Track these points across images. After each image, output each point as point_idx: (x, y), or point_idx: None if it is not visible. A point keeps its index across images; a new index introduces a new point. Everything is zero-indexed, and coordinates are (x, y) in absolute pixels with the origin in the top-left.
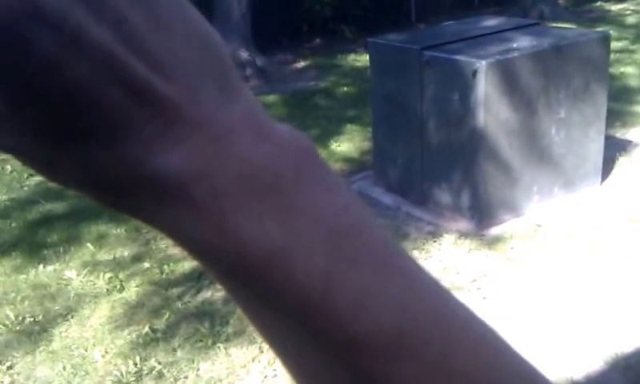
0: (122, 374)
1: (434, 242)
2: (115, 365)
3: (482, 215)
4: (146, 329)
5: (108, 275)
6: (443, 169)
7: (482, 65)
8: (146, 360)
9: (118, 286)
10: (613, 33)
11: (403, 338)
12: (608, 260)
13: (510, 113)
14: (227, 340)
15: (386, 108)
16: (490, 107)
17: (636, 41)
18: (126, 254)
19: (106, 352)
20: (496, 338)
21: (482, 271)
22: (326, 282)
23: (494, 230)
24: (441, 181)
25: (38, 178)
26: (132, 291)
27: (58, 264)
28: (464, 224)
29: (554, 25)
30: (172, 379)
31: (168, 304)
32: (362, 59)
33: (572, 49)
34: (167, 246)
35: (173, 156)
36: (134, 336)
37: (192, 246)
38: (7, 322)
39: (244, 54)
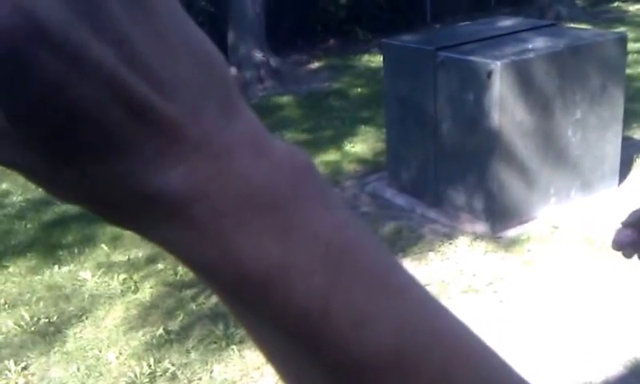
0: (135, 376)
1: (450, 244)
2: (129, 366)
3: (497, 217)
4: (160, 330)
5: (122, 276)
6: (458, 170)
7: (497, 66)
8: (159, 361)
9: (133, 288)
10: (630, 34)
11: (403, 356)
12: (626, 262)
13: (526, 114)
14: (241, 342)
15: (399, 109)
16: (506, 109)
17: None
18: (140, 255)
19: (120, 353)
20: (492, 354)
21: (498, 274)
22: (325, 301)
23: (511, 233)
24: (456, 182)
25: None
26: (146, 292)
27: (72, 265)
28: (480, 226)
29: (571, 25)
30: (185, 381)
31: (182, 305)
32: (376, 60)
33: (589, 50)
34: None
35: (173, 175)
36: (147, 337)
37: (191, 264)
38: (22, 323)
39: (258, 55)
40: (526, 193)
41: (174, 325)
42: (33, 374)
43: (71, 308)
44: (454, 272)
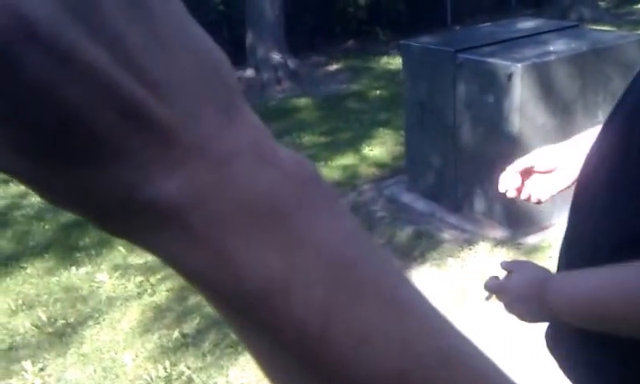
0: (151, 379)
1: (470, 249)
2: (145, 369)
3: (518, 223)
4: (176, 333)
5: (139, 279)
6: (478, 175)
7: (517, 68)
8: (175, 365)
9: (149, 290)
10: None
11: (405, 378)
12: None
13: (547, 117)
14: None
15: (418, 112)
16: (526, 112)
17: None
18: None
19: (137, 356)
20: (500, 375)
21: None
22: (325, 317)
23: (532, 239)
24: (476, 187)
25: None
26: (162, 295)
27: (89, 267)
28: (500, 232)
29: (593, 27)
30: None
31: (198, 309)
32: (396, 62)
33: (611, 52)
34: None
35: (169, 182)
36: (164, 340)
37: (187, 274)
38: (39, 324)
39: (276, 57)
40: None
41: (189, 328)
42: (49, 375)
43: (88, 310)
44: (474, 278)
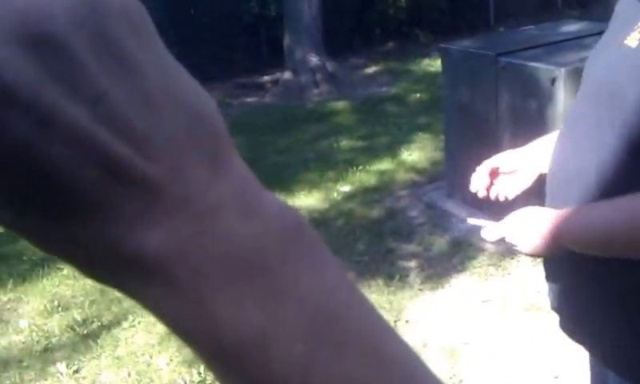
0: (185, 383)
1: (512, 258)
2: (179, 373)
3: None
4: None
5: None
6: None
7: (561, 72)
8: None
9: None
10: None
11: None
12: None
13: None
14: None
15: (459, 116)
16: None
17: None
18: None
19: (171, 360)
20: None
21: None
22: (305, 374)
23: None
24: (518, 194)
25: None
26: None
27: None
28: None
29: None
30: None
31: None
32: (436, 64)
33: None
34: None
35: (153, 236)
36: None
37: (168, 324)
38: (75, 326)
39: (314, 59)
40: None
41: None
42: (84, 378)
43: (123, 312)
44: (516, 288)
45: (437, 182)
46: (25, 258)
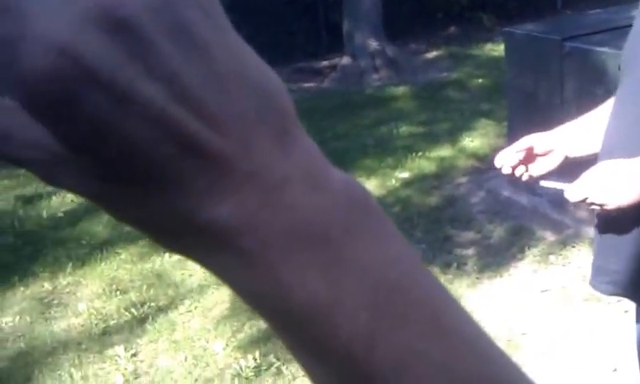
0: (241, 368)
1: (573, 247)
2: (235, 358)
3: None
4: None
5: None
6: (585, 170)
7: None
8: (265, 355)
9: None
10: None
11: None
12: None
13: None
14: None
15: (523, 102)
16: None
17: None
18: None
19: (227, 345)
20: None
21: None
22: (369, 340)
23: None
24: None
25: None
26: None
27: None
28: None
29: None
30: (290, 377)
31: None
32: (500, 49)
33: None
34: None
35: (223, 208)
36: (254, 330)
37: (238, 292)
38: (133, 310)
39: (374, 44)
40: None
41: None
42: (142, 361)
43: (180, 297)
44: (577, 278)
45: (499, 169)
46: (84, 242)
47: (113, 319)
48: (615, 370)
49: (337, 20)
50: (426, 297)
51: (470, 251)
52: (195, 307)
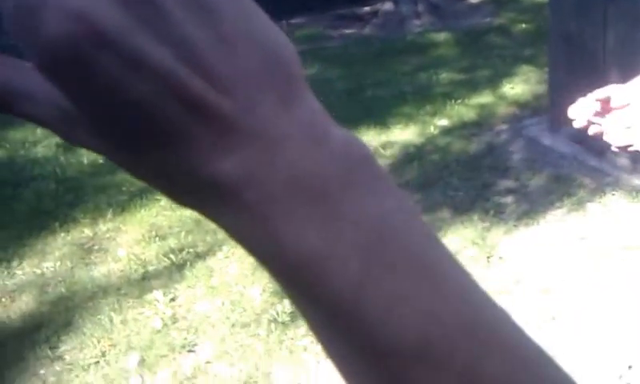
0: (277, 314)
1: (612, 195)
2: (272, 303)
3: None
4: None
5: None
6: None
7: None
8: None
9: None
10: None
11: (429, 345)
12: None
13: None
14: None
15: (564, 48)
16: None
17: None
18: None
19: (264, 290)
20: (535, 349)
21: None
22: (359, 288)
23: None
24: None
25: None
26: None
27: None
28: None
29: None
30: None
31: None
32: None
33: None
34: None
35: (226, 163)
36: None
37: (241, 243)
38: (171, 255)
39: None
40: None
41: None
42: (180, 306)
43: (218, 243)
44: (615, 226)
45: (539, 116)
46: (124, 188)
47: (152, 265)
48: None
49: None
50: (419, 247)
51: (508, 199)
52: (232, 253)
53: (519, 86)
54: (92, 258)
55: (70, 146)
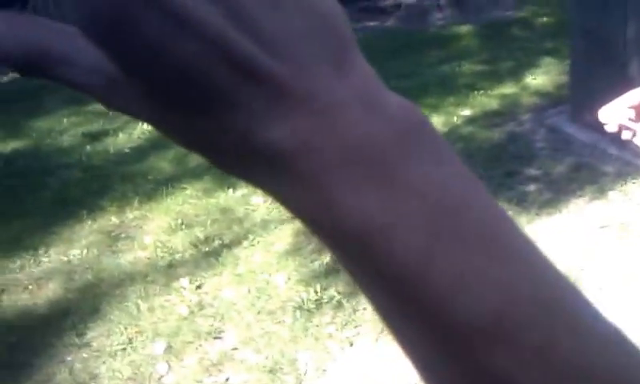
0: (302, 301)
1: (634, 183)
2: (297, 291)
3: None
4: (327, 258)
5: None
6: None
7: None
8: (326, 289)
9: None
10: None
11: (502, 321)
12: None
13: None
14: None
15: (585, 40)
16: None
17: None
18: None
19: (289, 278)
20: (610, 327)
21: None
22: (425, 261)
23: None
24: None
25: None
26: None
27: (245, 190)
28: None
29: None
30: (350, 310)
31: None
32: None
33: None
34: None
35: (278, 130)
36: (315, 265)
37: (294, 212)
38: (197, 243)
39: None
40: None
41: None
42: (206, 293)
43: (243, 231)
44: (637, 214)
45: (560, 106)
46: (150, 177)
47: (178, 253)
48: None
49: None
50: (484, 218)
51: (531, 187)
52: (258, 242)
53: (541, 77)
54: (119, 245)
55: (95, 136)
